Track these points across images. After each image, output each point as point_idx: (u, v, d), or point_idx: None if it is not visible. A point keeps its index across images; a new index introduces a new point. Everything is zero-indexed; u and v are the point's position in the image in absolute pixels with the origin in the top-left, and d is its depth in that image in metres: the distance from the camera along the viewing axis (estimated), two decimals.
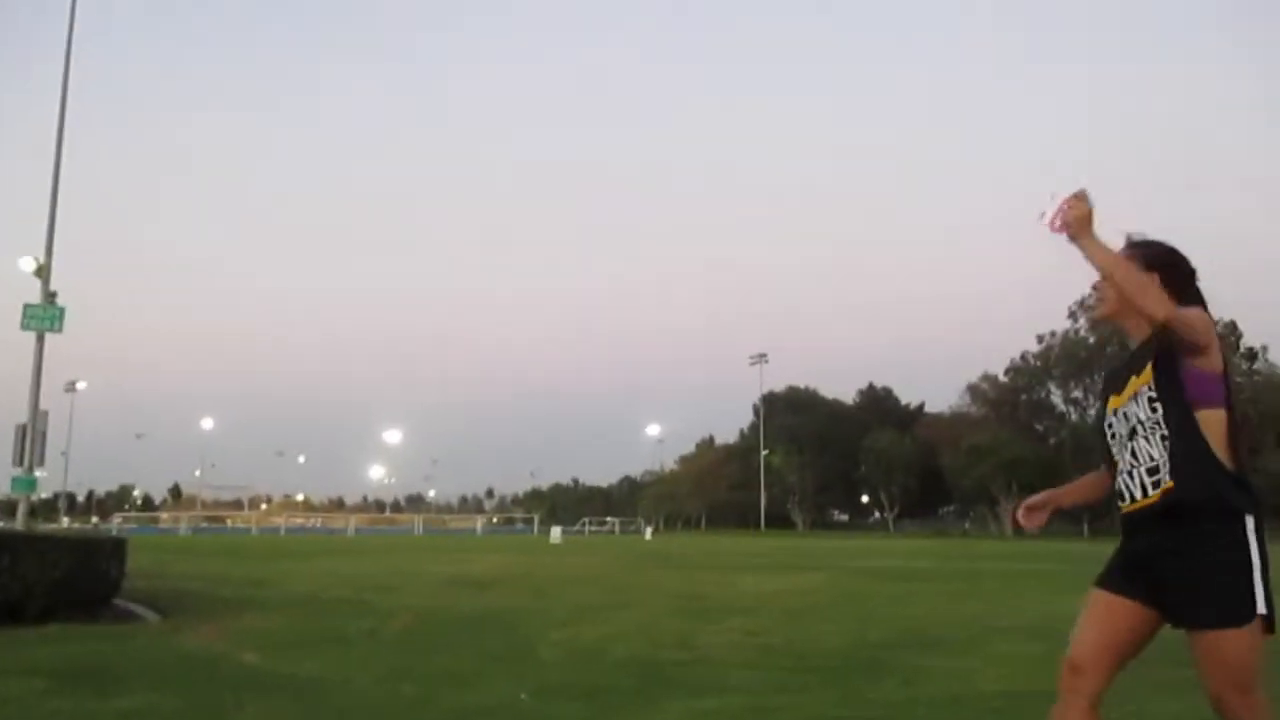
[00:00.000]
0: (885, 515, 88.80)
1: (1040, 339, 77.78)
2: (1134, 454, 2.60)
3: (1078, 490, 3.10)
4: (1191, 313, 2.53)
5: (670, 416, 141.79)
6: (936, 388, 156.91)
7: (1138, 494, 2.58)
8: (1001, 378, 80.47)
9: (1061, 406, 78.58)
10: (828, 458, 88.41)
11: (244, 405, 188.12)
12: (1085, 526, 66.14)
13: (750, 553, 31.73)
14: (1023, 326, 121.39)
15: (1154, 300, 2.49)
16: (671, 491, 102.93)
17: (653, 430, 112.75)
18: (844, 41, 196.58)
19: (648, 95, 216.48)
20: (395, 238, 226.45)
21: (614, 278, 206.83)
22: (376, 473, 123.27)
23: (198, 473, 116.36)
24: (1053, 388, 78.59)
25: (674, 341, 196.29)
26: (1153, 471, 2.54)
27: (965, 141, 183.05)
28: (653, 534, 64.58)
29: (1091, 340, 73.91)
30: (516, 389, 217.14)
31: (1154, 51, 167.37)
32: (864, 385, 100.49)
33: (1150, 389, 2.58)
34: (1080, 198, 2.50)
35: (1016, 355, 79.29)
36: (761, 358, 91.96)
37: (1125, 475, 2.63)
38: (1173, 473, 2.49)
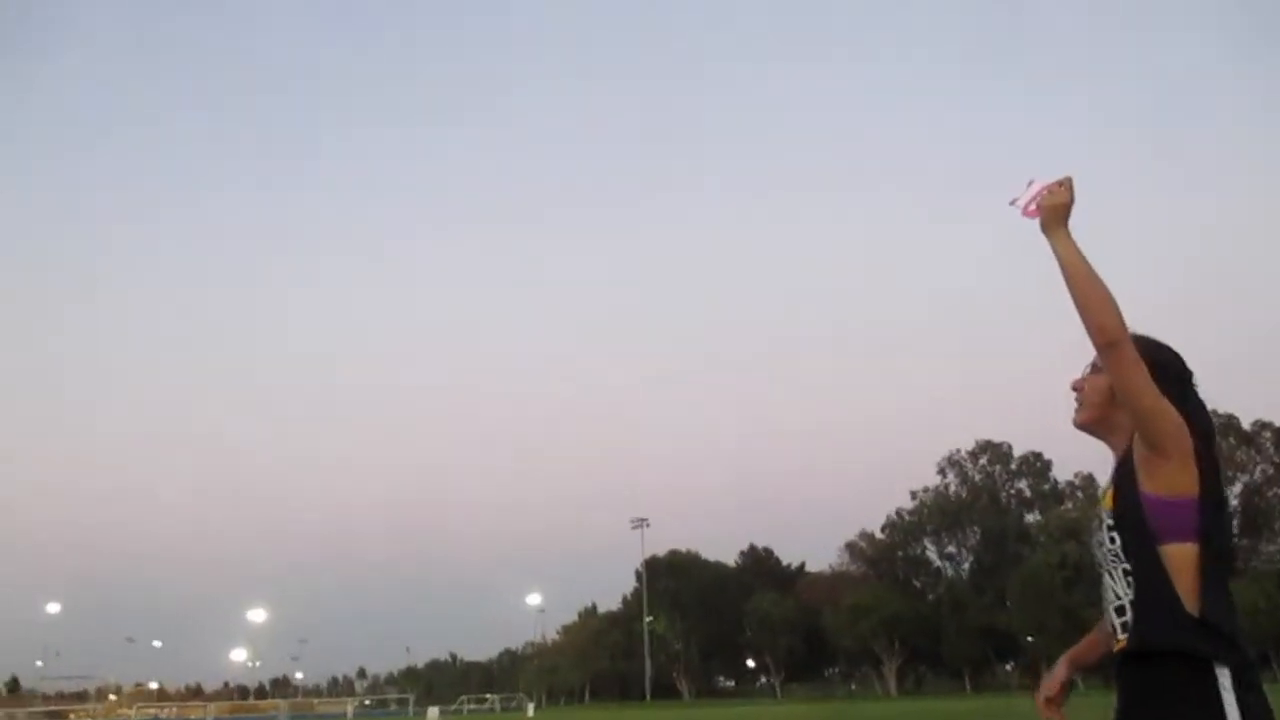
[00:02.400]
0: (771, 680, 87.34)
1: (914, 494, 79.56)
2: (1105, 589, 2.26)
3: (1094, 643, 2.56)
4: (1153, 394, 2.14)
5: (551, 584, 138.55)
6: (817, 546, 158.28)
7: (1117, 635, 2.21)
8: (879, 535, 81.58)
9: (937, 561, 79.83)
10: (711, 622, 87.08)
11: (93, 588, 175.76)
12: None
13: None
14: (899, 482, 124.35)
15: (1107, 313, 2.13)
16: (554, 664, 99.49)
17: (533, 600, 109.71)
18: (704, 197, 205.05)
19: (523, 258, 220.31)
20: (255, 400, 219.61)
21: (485, 442, 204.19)
22: (239, 655, 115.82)
23: (39, 663, 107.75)
24: (928, 544, 79.92)
25: (553, 506, 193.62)
26: (1120, 612, 2.20)
27: (843, 303, 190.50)
28: (534, 710, 61.94)
29: (964, 494, 76.24)
30: (388, 560, 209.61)
31: None
32: (745, 546, 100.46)
33: (1109, 515, 2.25)
34: (1064, 185, 2.26)
35: (892, 512, 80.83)
36: (643, 522, 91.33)
37: (1107, 611, 2.27)
38: (1134, 618, 2.15)
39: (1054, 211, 2.25)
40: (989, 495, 76.78)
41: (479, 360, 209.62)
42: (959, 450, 78.96)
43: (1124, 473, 2.25)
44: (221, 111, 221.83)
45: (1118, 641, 2.21)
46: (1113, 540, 2.24)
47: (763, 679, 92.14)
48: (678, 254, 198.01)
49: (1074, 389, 2.47)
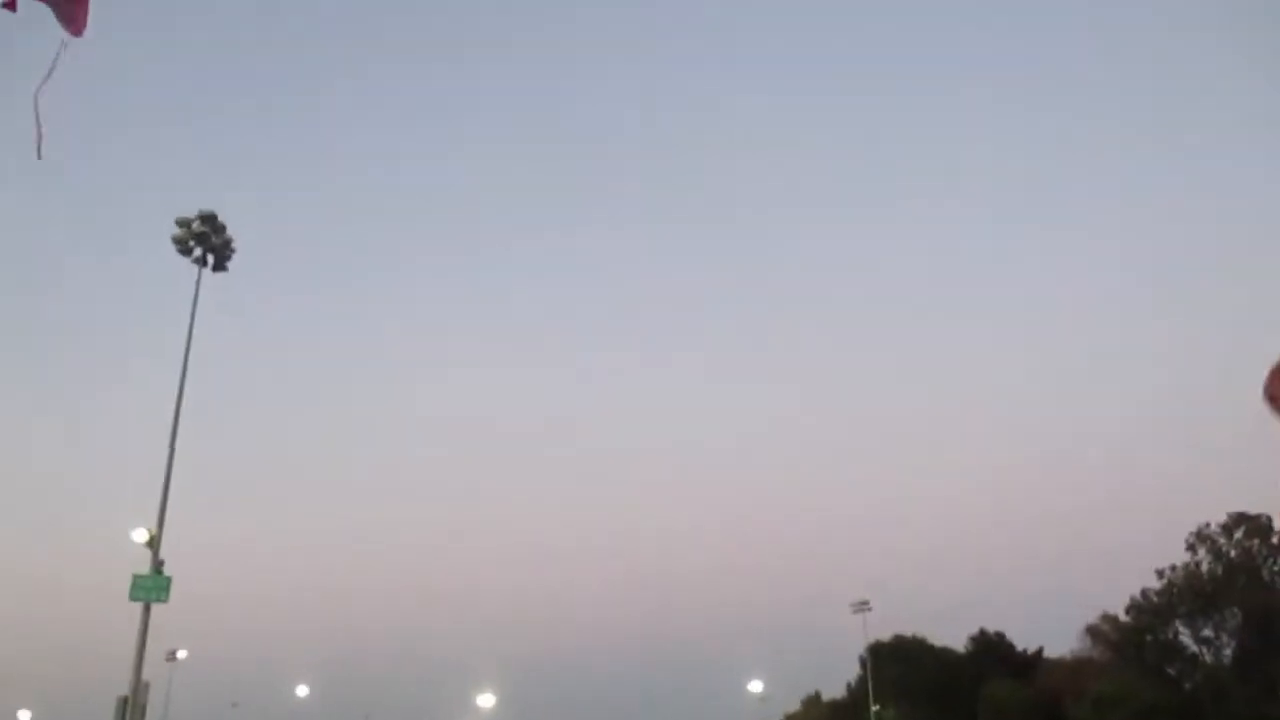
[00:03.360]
0: None
1: (1160, 574, 73.94)
2: None
3: None
4: None
5: (771, 669, 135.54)
6: (1053, 630, 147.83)
7: None
8: (1123, 617, 76.17)
9: (1193, 647, 73.46)
10: (942, 712, 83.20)
11: (339, 668, 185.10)
12: None
13: None
14: (1140, 559, 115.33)
15: None
16: None
17: (755, 687, 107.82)
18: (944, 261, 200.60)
19: (713, 333, 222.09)
20: (482, 496, 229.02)
21: (705, 523, 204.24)
22: None
23: None
24: (1180, 626, 73.87)
25: (774, 588, 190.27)
26: None
27: (1073, 369, 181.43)
28: None
29: (1218, 572, 70.30)
30: (607, 644, 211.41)
31: None
32: (974, 630, 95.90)
33: None
34: None
35: (1137, 591, 75.35)
36: (864, 605, 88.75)
37: None
38: None
39: None
40: (1248, 573, 70.31)
41: (699, 440, 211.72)
42: (1209, 524, 72.98)
43: None
44: None
45: None
46: None
47: None
48: (885, 325, 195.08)
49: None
